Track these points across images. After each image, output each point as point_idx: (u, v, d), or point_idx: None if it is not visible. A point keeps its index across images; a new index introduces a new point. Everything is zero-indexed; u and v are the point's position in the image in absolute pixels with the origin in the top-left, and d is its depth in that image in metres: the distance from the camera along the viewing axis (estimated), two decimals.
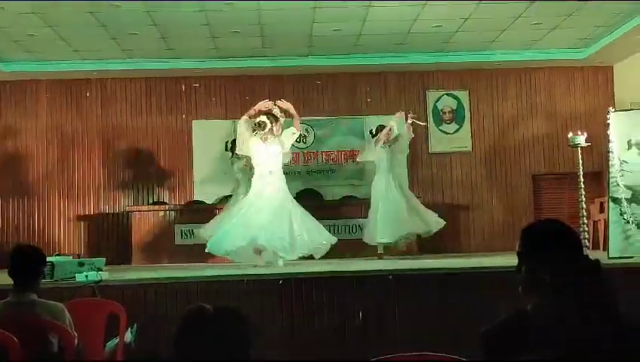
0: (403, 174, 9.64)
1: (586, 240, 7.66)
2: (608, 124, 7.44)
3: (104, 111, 11.02)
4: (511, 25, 9.34)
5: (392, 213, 8.61)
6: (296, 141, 8.49)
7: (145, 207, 10.30)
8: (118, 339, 4.38)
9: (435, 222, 8.84)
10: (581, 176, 7.71)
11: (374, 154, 8.99)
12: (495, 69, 11.07)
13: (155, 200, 10.81)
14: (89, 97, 11.01)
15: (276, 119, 7.78)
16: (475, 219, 11.00)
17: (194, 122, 11.06)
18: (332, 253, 7.80)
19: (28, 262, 3.75)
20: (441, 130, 11.19)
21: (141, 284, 5.87)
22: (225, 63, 10.54)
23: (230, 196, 9.50)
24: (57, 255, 8.42)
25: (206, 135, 10.92)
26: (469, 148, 11.20)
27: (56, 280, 5.73)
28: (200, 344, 1.95)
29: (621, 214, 7.24)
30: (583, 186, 7.71)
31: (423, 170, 11.06)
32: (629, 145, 7.37)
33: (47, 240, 10.55)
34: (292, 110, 7.95)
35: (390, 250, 8.81)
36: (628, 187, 7.28)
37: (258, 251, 7.53)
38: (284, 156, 7.91)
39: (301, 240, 7.48)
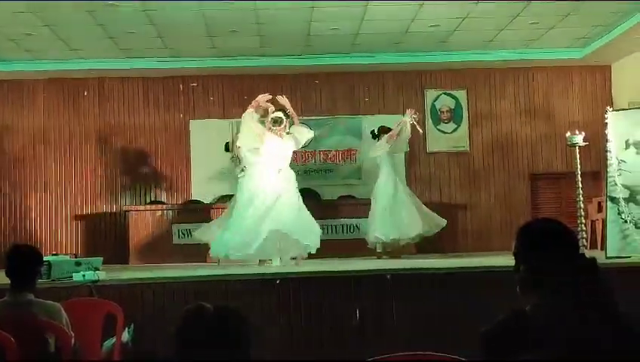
0: (401, 173, 9.65)
1: (584, 240, 7.67)
2: (606, 123, 7.44)
3: (101, 110, 10.99)
4: (509, 24, 9.35)
5: (398, 213, 8.57)
6: None
7: (142, 207, 10.27)
8: (115, 339, 4.37)
9: (439, 222, 8.84)
10: (579, 176, 7.72)
11: (384, 149, 8.91)
12: (493, 68, 11.07)
13: (152, 200, 10.79)
14: (86, 96, 10.99)
15: (287, 116, 7.77)
16: (472, 219, 10.99)
17: (192, 122, 11.03)
18: (330, 252, 7.78)
19: (25, 261, 3.74)
20: (438, 130, 11.18)
21: (138, 284, 5.87)
22: (223, 63, 10.53)
23: (231, 196, 9.44)
24: (54, 254, 8.38)
25: (204, 134, 10.89)
26: (467, 148, 11.18)
27: (53, 280, 5.71)
28: (200, 343, 1.95)
29: (619, 214, 7.24)
30: (580, 186, 7.73)
31: (420, 169, 11.05)
32: (627, 145, 7.36)
33: (44, 239, 10.54)
34: (288, 106, 7.91)
35: (389, 250, 8.79)
36: (626, 186, 7.27)
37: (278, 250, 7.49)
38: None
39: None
